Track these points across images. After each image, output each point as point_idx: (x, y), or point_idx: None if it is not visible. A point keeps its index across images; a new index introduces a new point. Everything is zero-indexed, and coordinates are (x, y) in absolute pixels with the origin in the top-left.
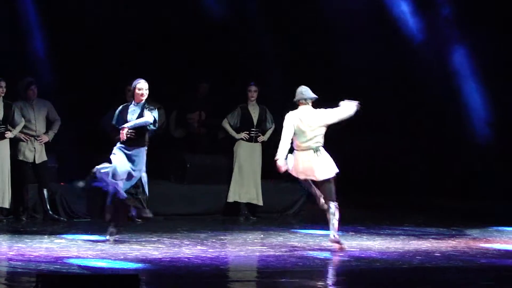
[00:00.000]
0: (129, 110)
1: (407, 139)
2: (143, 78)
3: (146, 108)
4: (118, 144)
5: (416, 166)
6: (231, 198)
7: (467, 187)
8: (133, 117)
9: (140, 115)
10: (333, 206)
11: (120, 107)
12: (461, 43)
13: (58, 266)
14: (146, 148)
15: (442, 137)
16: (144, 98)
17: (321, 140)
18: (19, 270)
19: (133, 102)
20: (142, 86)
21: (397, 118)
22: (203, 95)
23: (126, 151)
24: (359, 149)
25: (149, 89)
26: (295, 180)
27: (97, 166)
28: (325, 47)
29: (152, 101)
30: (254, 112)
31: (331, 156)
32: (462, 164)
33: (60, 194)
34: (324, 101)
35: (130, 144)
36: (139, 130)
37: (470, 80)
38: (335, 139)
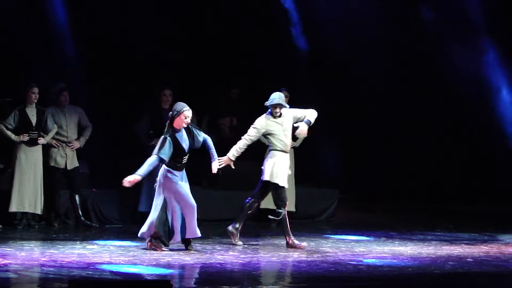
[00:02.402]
0: (180, 139)
1: (441, 145)
2: (175, 83)
3: (194, 131)
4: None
5: (449, 172)
6: (263, 204)
7: (499, 192)
8: (185, 144)
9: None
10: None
11: (168, 140)
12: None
13: (90, 272)
14: None
15: (476, 143)
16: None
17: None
18: (51, 276)
19: (174, 130)
20: (189, 114)
21: (432, 125)
22: (234, 101)
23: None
24: (394, 156)
25: (181, 94)
26: (327, 186)
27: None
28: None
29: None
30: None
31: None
32: (493, 169)
33: (92, 200)
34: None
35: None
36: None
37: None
38: (373, 145)
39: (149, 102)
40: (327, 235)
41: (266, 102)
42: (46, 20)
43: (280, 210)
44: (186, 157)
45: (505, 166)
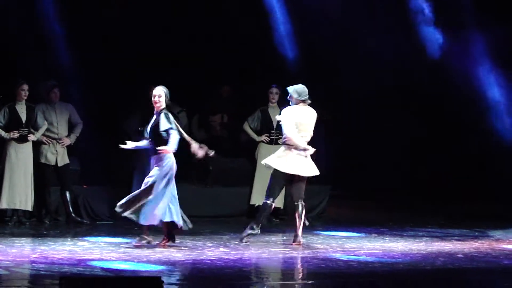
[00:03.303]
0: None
1: (433, 142)
2: (165, 81)
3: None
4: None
5: (439, 169)
6: (253, 201)
7: (490, 189)
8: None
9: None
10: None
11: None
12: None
13: (81, 269)
14: None
15: (466, 140)
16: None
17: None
18: (42, 272)
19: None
20: (155, 93)
21: (425, 122)
22: (225, 98)
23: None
24: (386, 152)
25: (171, 92)
26: (318, 182)
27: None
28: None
29: (174, 104)
30: (274, 114)
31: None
32: (484, 166)
33: (83, 196)
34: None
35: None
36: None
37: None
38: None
39: (140, 99)
40: (318, 232)
41: (301, 97)
42: (37, 16)
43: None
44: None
45: (496, 164)
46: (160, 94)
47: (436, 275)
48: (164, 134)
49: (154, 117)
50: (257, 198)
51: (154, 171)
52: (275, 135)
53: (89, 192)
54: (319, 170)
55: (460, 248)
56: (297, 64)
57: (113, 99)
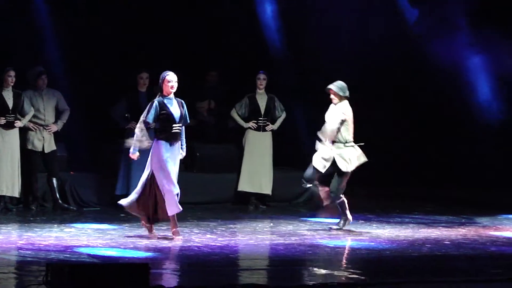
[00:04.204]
0: (168, 104)
1: (417, 128)
2: (152, 66)
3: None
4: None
5: (425, 155)
6: (240, 187)
7: (476, 175)
8: (175, 112)
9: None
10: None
11: (154, 103)
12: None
13: (68, 255)
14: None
15: (452, 125)
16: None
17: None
18: (29, 259)
19: (164, 96)
20: (171, 79)
21: (410, 108)
22: (212, 84)
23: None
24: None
25: (156, 77)
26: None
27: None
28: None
29: (157, 88)
30: (262, 101)
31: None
32: (471, 152)
33: (70, 183)
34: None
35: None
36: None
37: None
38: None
39: (127, 85)
40: (305, 218)
41: (346, 93)
42: (26, 3)
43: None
44: (177, 126)
45: (484, 151)
46: (176, 79)
47: (423, 262)
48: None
49: (173, 101)
50: (244, 184)
51: (177, 160)
52: (262, 122)
53: (76, 178)
54: (304, 155)
55: (447, 234)
56: (282, 50)
57: (100, 86)
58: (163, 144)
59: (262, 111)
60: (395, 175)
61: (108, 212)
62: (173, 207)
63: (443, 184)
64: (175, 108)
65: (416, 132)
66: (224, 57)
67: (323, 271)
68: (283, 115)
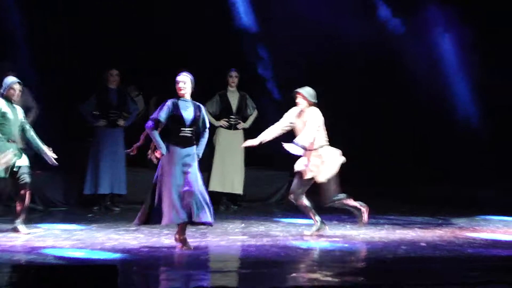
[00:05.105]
0: (182, 106)
1: (391, 126)
2: (122, 63)
3: (204, 115)
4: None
5: (401, 154)
6: (212, 187)
7: (452, 175)
8: (187, 114)
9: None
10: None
11: (168, 103)
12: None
13: (34, 257)
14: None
15: (426, 123)
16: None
17: None
18: None
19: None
20: (179, 79)
21: (380, 107)
22: None
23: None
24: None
25: (129, 75)
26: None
27: None
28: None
29: (130, 87)
30: (234, 99)
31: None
32: (447, 151)
33: (36, 183)
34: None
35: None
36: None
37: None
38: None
39: (96, 82)
40: (277, 219)
41: (314, 99)
42: None
43: None
44: (187, 130)
45: (461, 147)
46: (184, 80)
47: (398, 264)
48: (200, 129)
49: (189, 104)
50: (215, 184)
51: (193, 165)
52: (234, 120)
53: (43, 177)
54: (277, 155)
55: (422, 236)
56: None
57: (68, 82)
58: (171, 148)
59: (234, 109)
60: (368, 174)
61: (76, 212)
62: (165, 217)
63: (418, 183)
64: (189, 111)
65: (389, 128)
66: (193, 54)
67: (295, 273)
68: (255, 113)
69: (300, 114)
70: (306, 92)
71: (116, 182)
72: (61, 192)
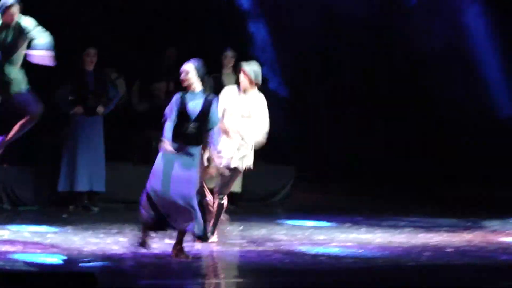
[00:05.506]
0: (189, 98)
1: (415, 120)
2: (101, 43)
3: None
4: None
5: (425, 150)
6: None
7: (485, 173)
8: (193, 108)
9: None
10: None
11: (176, 96)
12: None
13: (1, 262)
14: None
15: (458, 119)
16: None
17: None
18: None
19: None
20: (182, 69)
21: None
22: (170, 62)
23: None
24: (363, 135)
25: (106, 55)
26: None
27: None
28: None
29: (109, 69)
30: (229, 81)
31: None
32: (480, 148)
33: (3, 178)
34: None
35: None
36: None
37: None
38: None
39: (72, 66)
40: (281, 221)
41: (257, 79)
42: None
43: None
44: (191, 126)
45: (489, 150)
46: (187, 70)
47: (421, 272)
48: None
49: (197, 97)
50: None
51: (194, 166)
52: None
53: (11, 172)
54: (280, 147)
55: (449, 241)
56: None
57: (42, 69)
58: (172, 145)
59: None
60: (387, 171)
61: (48, 212)
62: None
63: (445, 181)
64: (195, 104)
65: (411, 124)
66: (183, 32)
67: (301, 283)
68: None
69: (245, 99)
70: (251, 69)
71: (95, 178)
72: (31, 189)
